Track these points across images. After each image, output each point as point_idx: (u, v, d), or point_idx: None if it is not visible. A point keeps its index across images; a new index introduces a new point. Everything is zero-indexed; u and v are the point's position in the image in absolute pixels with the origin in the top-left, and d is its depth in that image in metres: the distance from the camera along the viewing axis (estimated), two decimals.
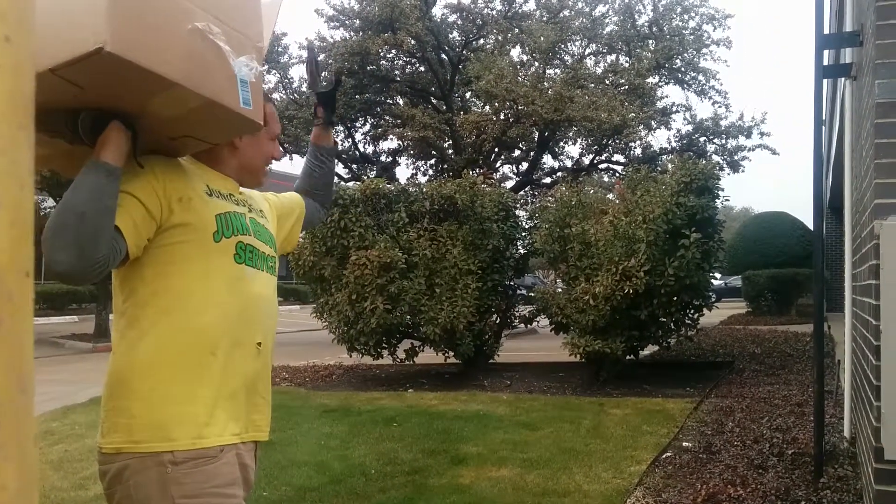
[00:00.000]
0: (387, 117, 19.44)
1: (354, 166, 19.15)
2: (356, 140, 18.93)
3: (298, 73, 18.92)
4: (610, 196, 9.24)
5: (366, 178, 16.02)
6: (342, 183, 14.84)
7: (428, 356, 8.39)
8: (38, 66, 1.15)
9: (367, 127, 19.01)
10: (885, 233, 2.59)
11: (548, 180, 19.44)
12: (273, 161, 1.82)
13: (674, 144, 18.32)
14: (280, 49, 17.56)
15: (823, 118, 12.29)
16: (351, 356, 8.53)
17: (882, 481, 2.68)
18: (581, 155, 20.10)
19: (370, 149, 19.19)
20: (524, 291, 9.82)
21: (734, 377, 7.66)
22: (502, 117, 16.17)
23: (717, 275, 12.75)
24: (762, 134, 17.72)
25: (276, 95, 17.49)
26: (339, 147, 18.44)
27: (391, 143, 19.84)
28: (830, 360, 8.07)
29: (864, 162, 3.52)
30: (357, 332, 7.81)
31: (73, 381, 8.98)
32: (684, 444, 4.80)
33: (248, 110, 1.45)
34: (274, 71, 17.68)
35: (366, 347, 8.00)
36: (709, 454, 4.48)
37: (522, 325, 9.18)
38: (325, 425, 5.87)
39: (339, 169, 18.55)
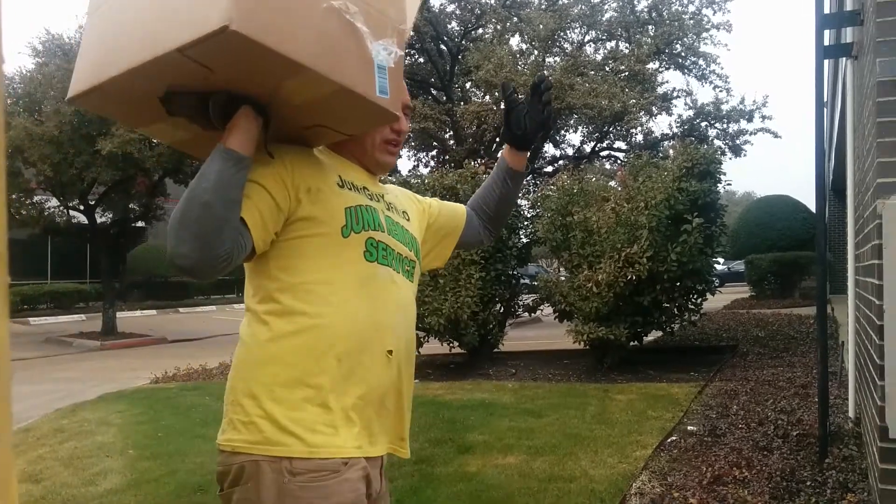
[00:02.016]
0: None
1: None
2: None
3: None
4: (612, 183, 9.22)
5: None
6: None
7: (433, 347, 8.41)
8: (166, 47, 1.13)
9: None
10: (887, 212, 2.58)
11: (550, 169, 19.39)
12: (398, 134, 1.57)
13: (675, 130, 18.24)
14: None
15: (825, 100, 12.27)
16: None
17: (887, 460, 2.68)
18: (582, 143, 20.06)
19: None
20: (527, 280, 9.82)
21: (738, 361, 7.66)
22: (503, 106, 16.10)
23: (720, 259, 12.73)
24: (764, 117, 17.64)
25: None
26: None
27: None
28: (834, 341, 8.08)
29: (866, 141, 3.51)
30: None
31: (82, 379, 9.04)
32: (689, 427, 4.81)
33: (384, 99, 1.30)
34: None
35: None
36: (714, 437, 4.49)
37: (526, 314, 9.19)
38: None
39: None
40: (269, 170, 1.35)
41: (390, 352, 1.43)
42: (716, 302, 12.83)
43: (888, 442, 2.63)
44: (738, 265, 22.35)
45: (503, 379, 7.37)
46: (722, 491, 3.45)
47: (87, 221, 14.62)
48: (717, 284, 8.11)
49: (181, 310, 23.01)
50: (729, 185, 8.12)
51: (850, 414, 4.59)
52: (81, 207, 14.40)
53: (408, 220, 1.62)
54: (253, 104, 1.27)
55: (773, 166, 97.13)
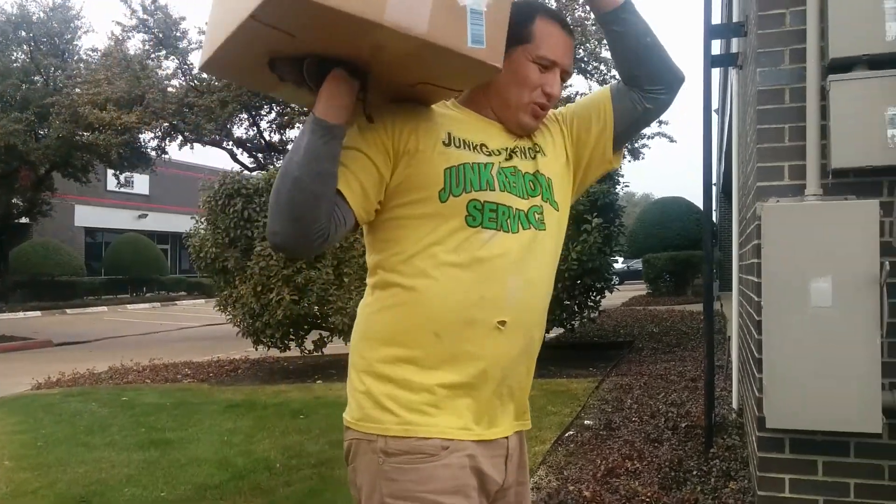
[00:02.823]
0: (293, 105, 18.98)
1: (260, 155, 18.60)
2: (261, 129, 18.37)
3: (197, 58, 18.19)
4: None
5: (272, 167, 15.65)
6: (245, 172, 14.38)
7: (338, 346, 8.27)
8: (242, 15, 1.10)
9: (273, 115, 18.49)
10: (765, 214, 2.72)
11: None
12: (548, 98, 1.37)
13: None
14: (179, 34, 16.77)
15: (716, 107, 12.92)
16: (257, 349, 8.31)
17: (765, 448, 2.83)
18: None
19: (276, 137, 18.68)
20: None
21: (634, 356, 7.96)
22: None
23: (619, 258, 13.21)
24: (661, 122, 18.41)
25: (175, 82, 16.71)
26: (244, 136, 17.87)
27: (298, 132, 19.35)
28: (722, 336, 8.53)
29: (749, 147, 3.70)
30: (263, 324, 7.62)
31: None
32: (586, 422, 4.94)
33: (479, 50, 1.14)
34: (172, 57, 16.89)
35: (272, 340, 7.82)
36: (609, 431, 4.63)
37: None
38: (228, 421, 5.69)
39: (244, 158, 17.99)
40: (368, 134, 1.27)
41: (502, 322, 1.28)
42: (614, 299, 13.31)
43: (766, 431, 2.77)
44: (636, 264, 23.31)
45: None
46: (615, 483, 3.55)
47: None
48: (615, 282, 8.39)
49: (69, 311, 21.71)
50: (627, 186, 8.43)
51: (734, 405, 4.84)
52: None
53: (537, 154, 1.41)
54: (347, 66, 1.18)
55: (671, 169, 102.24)
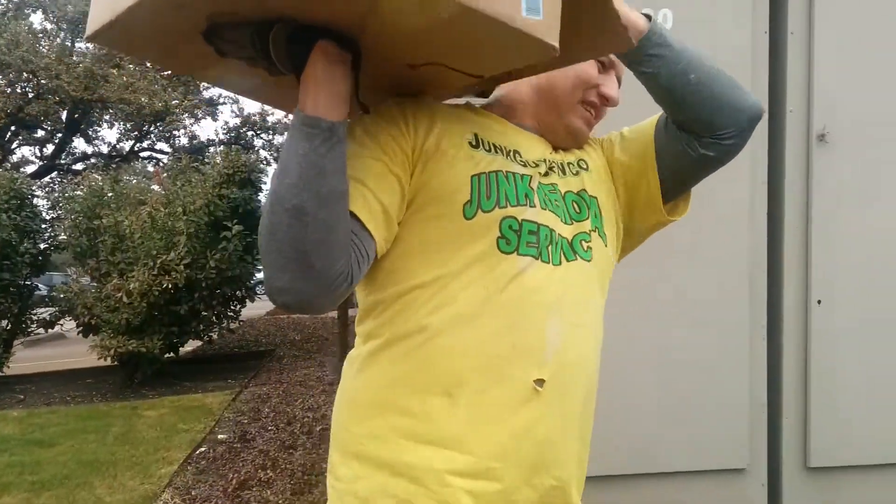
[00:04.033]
0: None
1: None
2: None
3: None
4: (156, 188, 8.68)
5: None
6: None
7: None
8: None
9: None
10: None
11: (80, 166, 17.40)
12: (605, 102, 1.09)
13: (222, 136, 18.23)
14: None
15: None
16: None
17: None
18: (119, 140, 18.52)
19: None
20: (46, 291, 8.58)
21: (274, 364, 7.94)
22: (19, 91, 13.89)
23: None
24: None
25: None
26: None
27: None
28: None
29: None
30: None
31: None
32: (220, 436, 4.74)
33: (534, 23, 0.79)
34: None
35: None
36: (244, 443, 4.51)
37: (42, 331, 8.00)
38: None
39: None
40: (377, 131, 0.94)
41: (540, 382, 0.94)
42: (257, 309, 13.15)
43: None
44: None
45: (7, 407, 6.25)
46: (246, 495, 3.46)
47: None
48: (260, 291, 8.28)
49: None
50: None
51: None
52: None
53: (581, 171, 1.10)
54: (335, 37, 0.81)
55: None
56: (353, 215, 0.89)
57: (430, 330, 0.93)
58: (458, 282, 0.94)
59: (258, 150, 18.09)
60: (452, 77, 0.92)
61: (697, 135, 1.06)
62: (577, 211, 1.05)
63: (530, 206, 0.98)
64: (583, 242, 1.03)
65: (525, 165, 1.03)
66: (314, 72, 0.81)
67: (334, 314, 13.61)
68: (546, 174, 1.04)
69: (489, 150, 1.01)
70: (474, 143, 1.00)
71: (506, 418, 0.92)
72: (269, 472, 3.81)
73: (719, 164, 1.09)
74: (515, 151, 1.04)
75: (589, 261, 1.03)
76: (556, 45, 0.80)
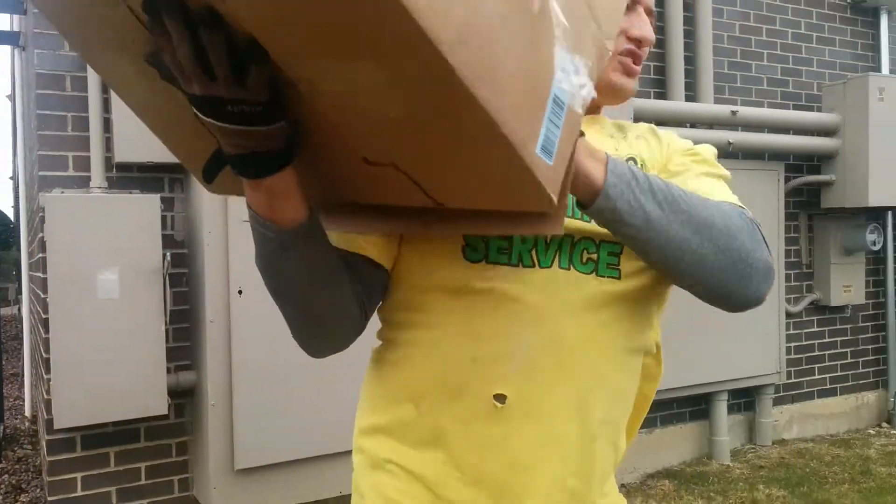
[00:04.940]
0: None
1: None
2: None
3: None
4: None
5: None
6: None
7: None
8: None
9: None
10: (49, 205, 2.59)
11: None
12: (639, 44, 0.99)
13: None
14: None
15: (9, 93, 11.72)
16: None
17: (54, 451, 2.71)
18: None
19: None
20: None
21: None
22: None
23: None
24: None
25: None
26: None
27: None
28: (20, 342, 7.84)
29: (32, 134, 3.46)
30: None
31: None
32: None
33: (542, 166, 0.63)
34: None
35: None
36: None
37: None
38: None
39: None
40: None
41: (500, 398, 0.87)
42: None
43: (55, 433, 2.66)
44: None
45: None
46: None
47: None
48: None
49: None
50: None
51: (28, 413, 4.51)
52: None
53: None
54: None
55: None
56: (358, 255, 0.90)
57: (397, 341, 0.96)
58: (425, 295, 0.92)
59: None
60: (407, 192, 0.73)
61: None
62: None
63: None
64: (590, 254, 0.89)
65: None
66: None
67: (4, 312, 11.63)
68: None
69: None
70: None
71: (464, 433, 0.89)
72: None
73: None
74: None
75: (587, 275, 0.89)
76: (556, 199, 0.67)
